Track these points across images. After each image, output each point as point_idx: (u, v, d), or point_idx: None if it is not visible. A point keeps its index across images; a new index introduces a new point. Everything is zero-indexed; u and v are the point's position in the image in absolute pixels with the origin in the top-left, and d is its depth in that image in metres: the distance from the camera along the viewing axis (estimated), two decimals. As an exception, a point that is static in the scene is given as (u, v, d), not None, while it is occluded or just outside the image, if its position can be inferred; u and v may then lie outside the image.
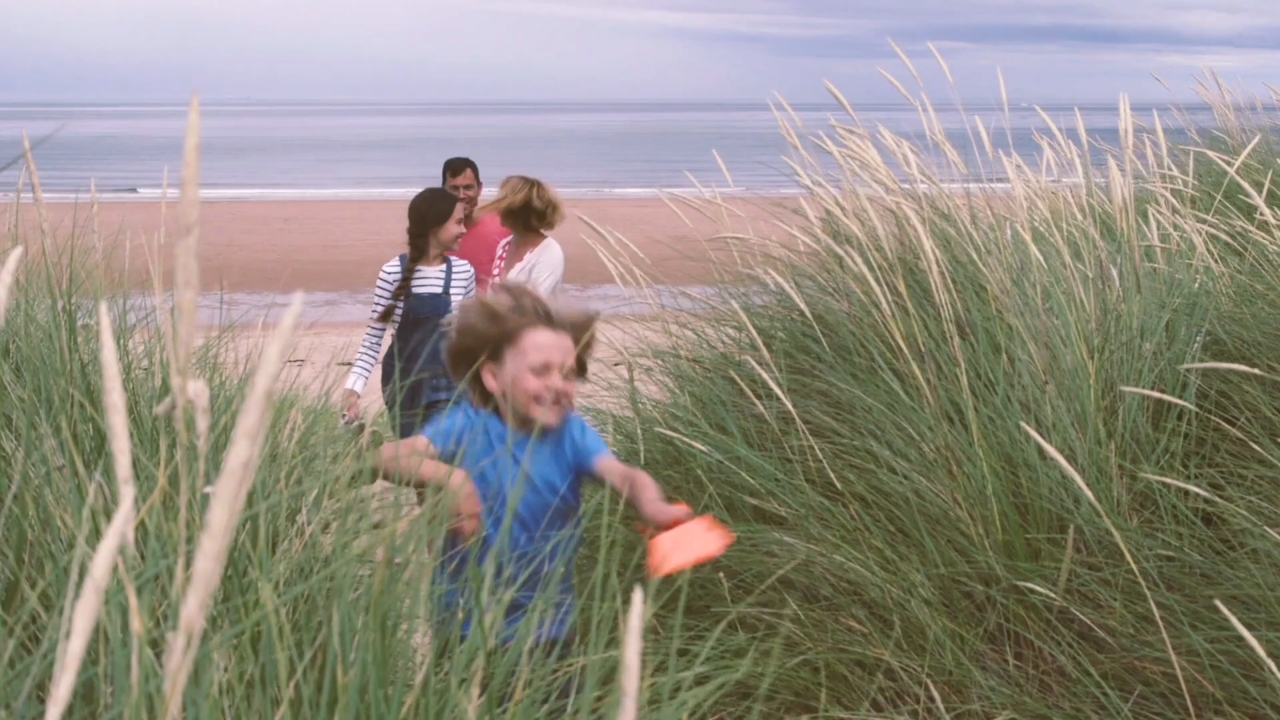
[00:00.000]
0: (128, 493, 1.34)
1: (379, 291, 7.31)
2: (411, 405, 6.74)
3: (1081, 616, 4.06)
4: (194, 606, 1.07)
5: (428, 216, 7.25)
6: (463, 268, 7.38)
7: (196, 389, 1.92)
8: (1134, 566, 3.81)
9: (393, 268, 7.30)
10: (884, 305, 4.79)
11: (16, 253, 1.55)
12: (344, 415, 6.15)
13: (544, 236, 7.54)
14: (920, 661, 4.14)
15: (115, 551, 1.19)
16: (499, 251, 7.74)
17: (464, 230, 7.54)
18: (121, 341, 4.21)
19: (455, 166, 8.66)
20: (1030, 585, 4.05)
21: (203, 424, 1.88)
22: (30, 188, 3.93)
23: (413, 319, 7.21)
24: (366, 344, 7.35)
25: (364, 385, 7.22)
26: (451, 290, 7.27)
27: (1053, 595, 4.04)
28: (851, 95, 5.81)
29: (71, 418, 2.64)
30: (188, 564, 1.90)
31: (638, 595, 1.21)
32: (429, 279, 7.26)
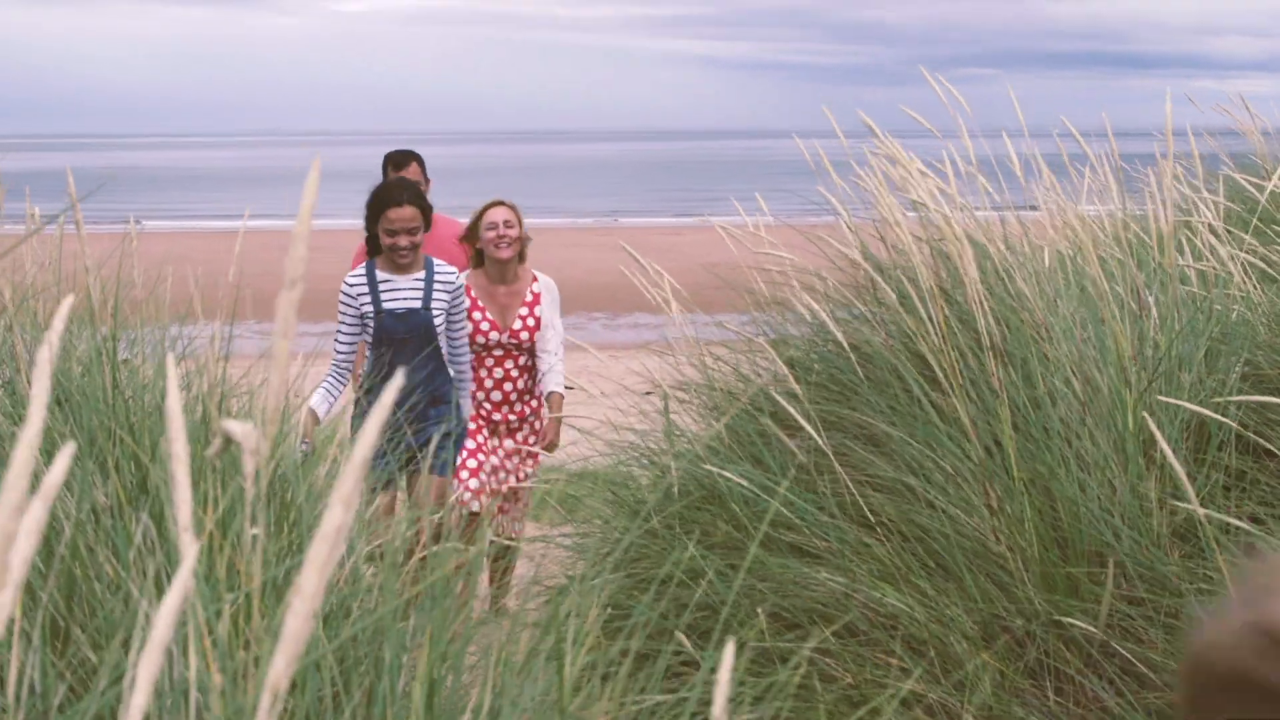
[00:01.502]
0: (190, 543, 1.34)
1: (343, 311, 6.06)
2: (393, 444, 5.37)
3: (1123, 651, 4.03)
4: (281, 666, 1.06)
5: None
6: (446, 272, 6.14)
7: (244, 431, 1.93)
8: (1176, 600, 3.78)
9: (357, 279, 6.07)
10: (932, 334, 4.76)
11: (66, 303, 1.55)
12: (303, 441, 5.21)
13: (530, 271, 6.74)
14: (960, 697, 4.11)
15: (179, 609, 1.19)
16: (459, 280, 6.31)
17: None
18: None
19: (397, 160, 7.25)
20: (1071, 620, 4.01)
21: (251, 466, 1.88)
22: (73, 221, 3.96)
23: (386, 342, 6.00)
24: (336, 360, 6.07)
25: (328, 409, 5.96)
26: (433, 303, 6.09)
27: (1094, 630, 4.00)
28: (881, 122, 5.79)
29: (114, 454, 2.65)
30: (236, 609, 1.91)
31: (730, 648, 1.20)
32: (403, 291, 6.07)
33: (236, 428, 1.90)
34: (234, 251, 5.10)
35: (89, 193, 3.69)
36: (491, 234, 6.61)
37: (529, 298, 6.71)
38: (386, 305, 6.04)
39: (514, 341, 6.63)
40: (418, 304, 6.04)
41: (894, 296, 5.16)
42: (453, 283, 6.15)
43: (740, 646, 4.40)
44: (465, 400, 6.29)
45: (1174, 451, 4.33)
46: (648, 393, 6.10)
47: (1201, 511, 3.64)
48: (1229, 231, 5.47)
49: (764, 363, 5.98)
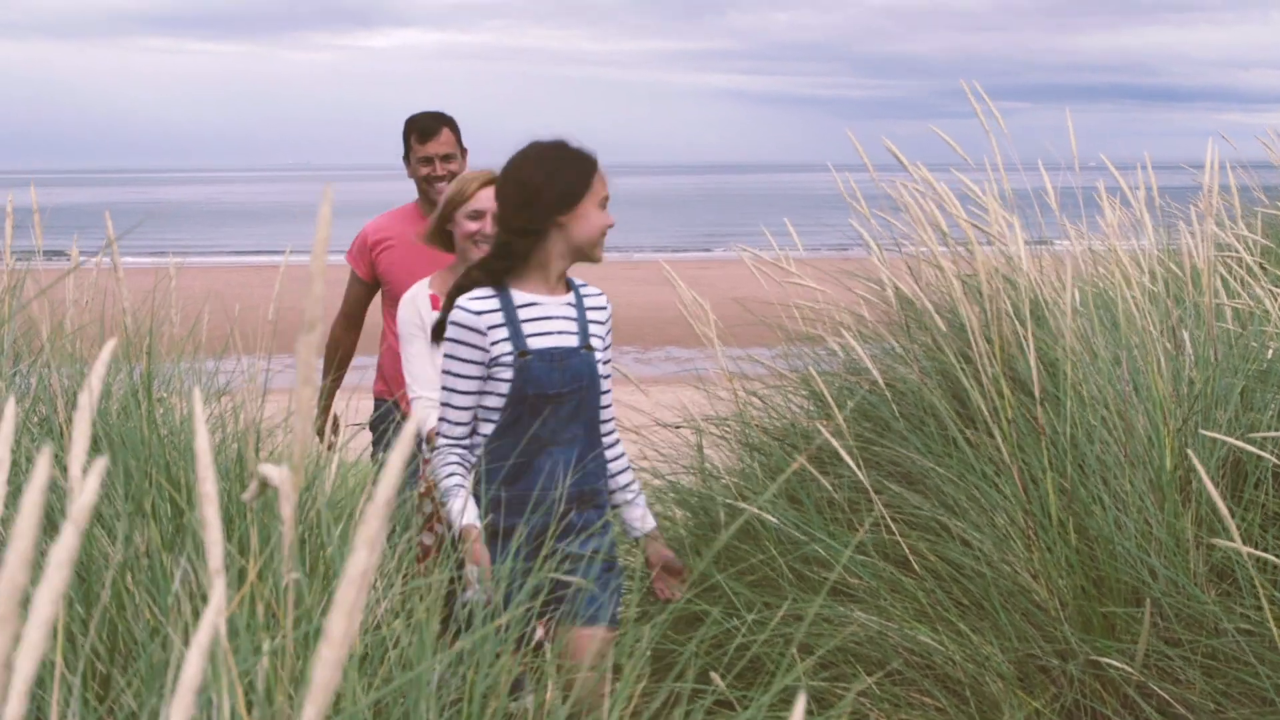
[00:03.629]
0: (219, 585, 1.34)
1: (457, 355, 3.85)
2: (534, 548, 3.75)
3: (1160, 692, 3.99)
4: (312, 716, 1.06)
5: (549, 196, 3.82)
6: (595, 294, 4.07)
7: (280, 475, 1.93)
8: (1214, 640, 3.75)
9: (485, 302, 3.85)
10: (984, 370, 4.74)
11: (109, 346, 1.57)
12: (466, 585, 3.55)
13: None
14: (996, 737, 4.08)
15: (207, 652, 1.19)
16: (427, 300, 4.62)
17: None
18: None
19: (425, 126, 5.69)
20: (1108, 660, 3.98)
21: (287, 510, 1.89)
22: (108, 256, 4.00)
23: (529, 402, 3.85)
24: (450, 433, 3.89)
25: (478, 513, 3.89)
26: (592, 339, 3.97)
27: (1131, 670, 3.97)
28: (911, 155, 5.77)
29: (152, 496, 2.66)
30: (271, 654, 1.91)
31: (801, 698, 1.20)
32: (554, 320, 3.92)
33: (273, 472, 1.90)
34: (270, 286, 5.14)
35: (127, 230, 3.73)
36: (476, 225, 4.57)
37: None
38: (534, 343, 3.86)
39: None
40: (574, 340, 3.93)
41: (938, 330, 5.14)
42: (606, 308, 4.08)
43: (782, 690, 4.39)
44: (640, 502, 4.14)
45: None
46: (680, 426, 6.08)
47: (1246, 551, 3.61)
48: (1263, 268, 5.44)
49: (797, 398, 5.97)
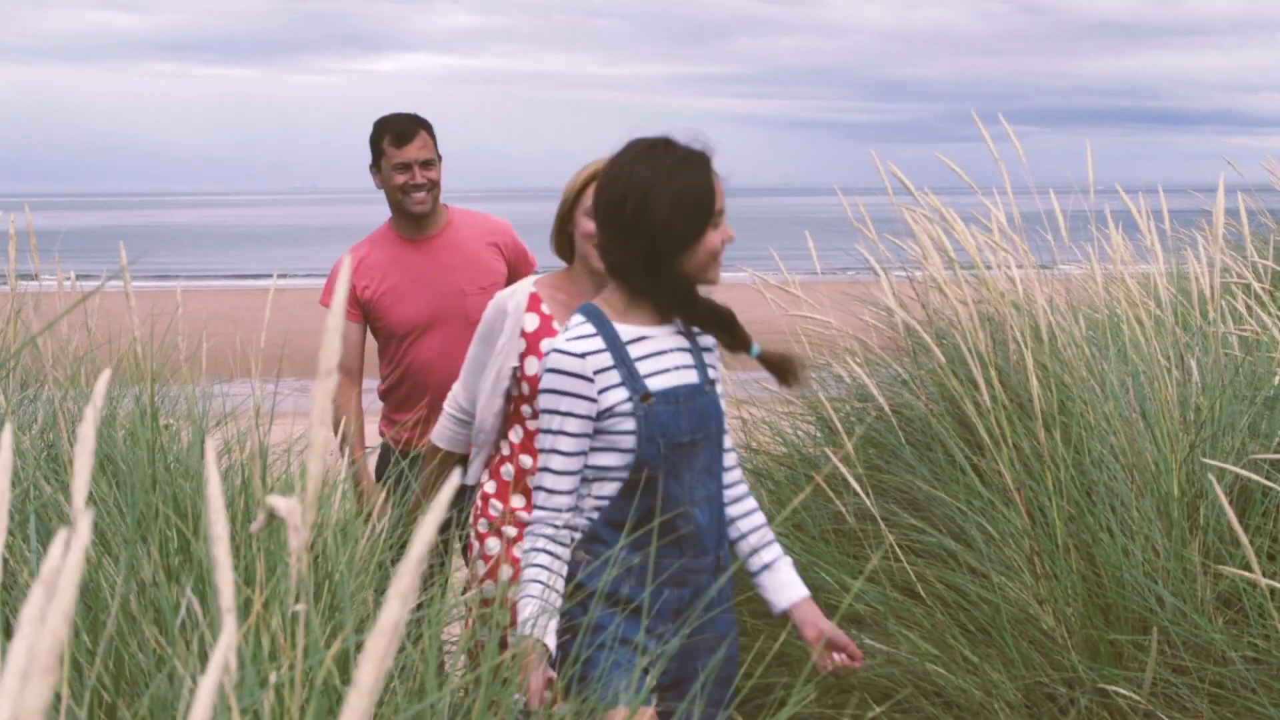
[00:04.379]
0: (230, 624, 1.34)
1: (556, 408, 3.13)
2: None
3: (1167, 720, 3.98)
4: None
5: (672, 229, 3.09)
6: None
7: (288, 507, 1.93)
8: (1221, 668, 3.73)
9: (585, 339, 3.15)
10: (984, 395, 4.73)
11: (104, 377, 1.57)
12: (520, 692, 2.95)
13: None
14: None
15: (216, 689, 1.19)
16: (526, 297, 4.04)
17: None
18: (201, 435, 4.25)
19: (402, 129, 5.10)
20: (1115, 688, 3.97)
21: (296, 543, 1.88)
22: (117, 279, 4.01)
23: (656, 452, 3.15)
24: (551, 505, 3.15)
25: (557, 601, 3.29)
26: (710, 373, 3.33)
27: (1138, 698, 3.96)
28: (916, 180, 5.77)
29: (158, 526, 2.66)
30: (279, 689, 1.91)
31: None
32: (668, 355, 3.25)
33: (280, 503, 1.90)
34: (278, 309, 5.11)
35: (138, 255, 3.73)
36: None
37: None
38: (654, 384, 3.18)
39: None
40: (694, 376, 3.26)
41: (941, 359, 5.14)
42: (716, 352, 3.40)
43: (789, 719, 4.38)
44: (787, 563, 3.45)
45: (1219, 517, 4.29)
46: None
47: (1265, 582, 3.59)
48: (1271, 294, 5.44)
49: (804, 424, 5.97)
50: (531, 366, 3.96)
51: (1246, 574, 3.74)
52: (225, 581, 1.43)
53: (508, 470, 4.07)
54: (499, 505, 4.06)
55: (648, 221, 3.07)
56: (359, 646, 2.45)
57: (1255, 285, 5.24)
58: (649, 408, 3.12)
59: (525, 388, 3.99)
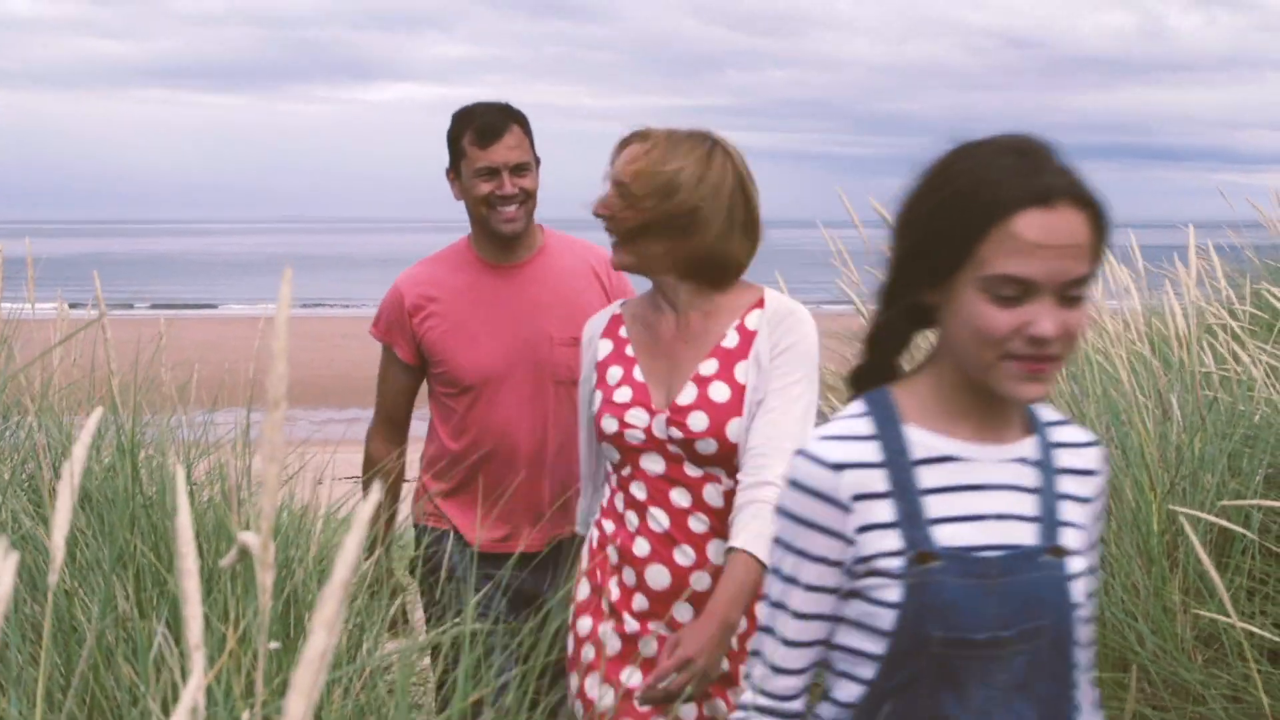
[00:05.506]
0: (199, 660, 1.34)
1: (784, 539, 2.02)
2: None
3: (1147, 758, 3.98)
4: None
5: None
6: (1078, 449, 2.14)
7: (257, 542, 1.94)
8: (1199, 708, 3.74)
9: (848, 448, 1.97)
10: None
11: (95, 415, 1.58)
12: None
13: (752, 288, 3.16)
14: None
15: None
16: (606, 319, 3.26)
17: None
18: (187, 466, 4.24)
19: (488, 124, 3.88)
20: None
21: (266, 579, 1.89)
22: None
23: (931, 647, 1.94)
24: (767, 706, 2.06)
25: None
26: (1064, 528, 2.05)
27: (1118, 736, 3.96)
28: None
29: (135, 560, 2.66)
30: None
31: None
32: (990, 491, 2.00)
33: (252, 539, 1.91)
34: (263, 338, 5.10)
35: (127, 291, 3.74)
36: None
37: (730, 337, 3.09)
38: (947, 536, 1.97)
39: (680, 435, 3.02)
40: (1029, 534, 2.01)
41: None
42: (1095, 471, 2.15)
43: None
44: None
45: (1196, 557, 4.31)
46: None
47: (1241, 625, 3.60)
48: (1252, 332, 5.47)
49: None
50: (596, 403, 3.16)
51: (1223, 618, 3.76)
52: (194, 616, 1.44)
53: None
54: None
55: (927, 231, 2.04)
56: (332, 683, 2.45)
57: (1233, 325, 5.27)
58: (926, 574, 1.93)
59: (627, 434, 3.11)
